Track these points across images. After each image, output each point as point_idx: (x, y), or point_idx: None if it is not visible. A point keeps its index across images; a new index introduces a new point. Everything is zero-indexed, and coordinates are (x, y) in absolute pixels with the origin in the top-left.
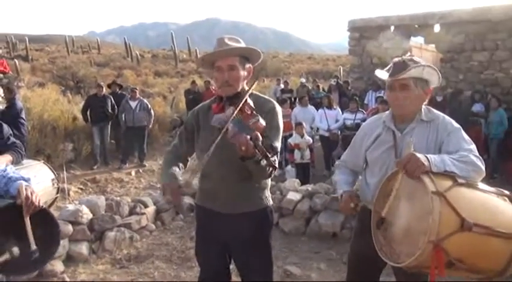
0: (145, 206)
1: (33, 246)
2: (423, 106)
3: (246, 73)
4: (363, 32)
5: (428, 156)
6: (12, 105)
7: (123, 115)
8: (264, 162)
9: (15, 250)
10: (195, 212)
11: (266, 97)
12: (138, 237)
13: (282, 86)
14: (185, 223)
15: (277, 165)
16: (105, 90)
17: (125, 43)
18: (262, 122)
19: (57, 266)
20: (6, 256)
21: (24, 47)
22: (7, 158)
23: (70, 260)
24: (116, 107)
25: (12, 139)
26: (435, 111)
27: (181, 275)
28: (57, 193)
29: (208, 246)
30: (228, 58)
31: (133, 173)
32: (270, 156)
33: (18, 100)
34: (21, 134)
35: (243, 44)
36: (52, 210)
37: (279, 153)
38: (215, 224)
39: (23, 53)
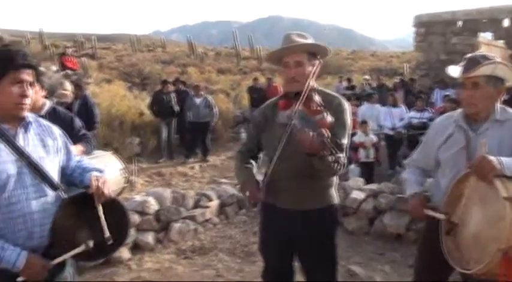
0: (210, 200)
1: (107, 234)
2: (498, 105)
3: (313, 69)
4: (429, 27)
5: (500, 159)
6: (85, 100)
7: (188, 111)
8: (329, 159)
9: (90, 243)
10: (259, 208)
11: (334, 94)
12: (202, 229)
13: (345, 83)
14: (248, 218)
15: (344, 162)
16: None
17: (188, 41)
18: (329, 119)
19: (124, 253)
20: (82, 248)
21: (92, 45)
22: (79, 148)
23: (137, 248)
24: (179, 103)
25: (84, 131)
26: (510, 110)
27: (244, 269)
28: (125, 183)
29: (272, 242)
30: (295, 54)
31: (197, 168)
32: (335, 152)
33: (89, 95)
34: (92, 127)
35: (310, 40)
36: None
37: (346, 151)
38: (280, 220)
39: (90, 51)
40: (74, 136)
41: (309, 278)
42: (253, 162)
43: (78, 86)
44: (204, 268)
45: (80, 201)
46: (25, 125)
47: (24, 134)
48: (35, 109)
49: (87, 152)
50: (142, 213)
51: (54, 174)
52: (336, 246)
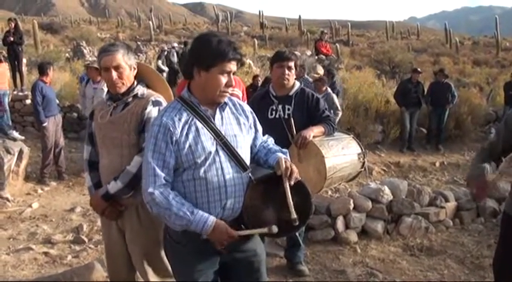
0: (446, 200)
1: (294, 215)
2: None
3: None
4: None
5: None
6: (334, 86)
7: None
8: None
9: (275, 228)
10: (500, 221)
11: None
12: (434, 229)
13: None
14: (485, 228)
15: None
16: (420, 76)
17: (445, 29)
18: None
19: (352, 236)
20: (265, 230)
21: (346, 32)
22: (320, 129)
23: (364, 233)
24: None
25: (327, 113)
26: None
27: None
28: (362, 167)
29: (509, 261)
30: None
31: (437, 164)
32: None
33: (338, 81)
34: (334, 113)
35: None
36: (354, 184)
37: None
38: None
39: (344, 38)
40: (318, 117)
41: None
42: (493, 163)
43: (329, 73)
44: (428, 270)
45: (267, 182)
46: (222, 106)
47: (220, 113)
48: (286, 89)
49: (327, 133)
50: (374, 200)
51: (246, 150)
52: None
